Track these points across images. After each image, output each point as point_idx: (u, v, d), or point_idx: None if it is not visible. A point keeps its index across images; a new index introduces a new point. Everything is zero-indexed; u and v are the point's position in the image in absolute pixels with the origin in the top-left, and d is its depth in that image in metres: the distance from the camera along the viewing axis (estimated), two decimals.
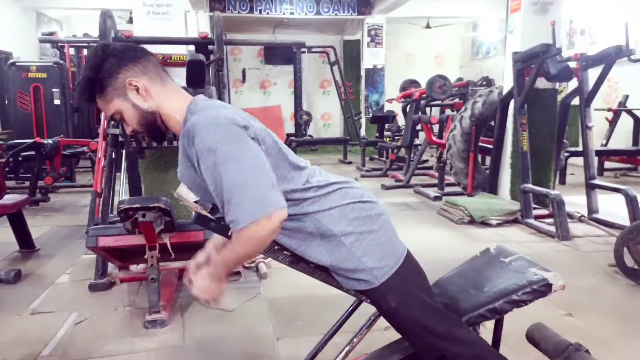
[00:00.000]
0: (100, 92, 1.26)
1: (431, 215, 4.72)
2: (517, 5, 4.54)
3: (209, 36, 3.53)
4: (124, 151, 3.58)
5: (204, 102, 1.27)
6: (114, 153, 3.23)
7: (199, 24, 8.22)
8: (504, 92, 4.72)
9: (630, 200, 4.01)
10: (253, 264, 3.02)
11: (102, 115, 3.29)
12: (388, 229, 1.34)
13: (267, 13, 8.89)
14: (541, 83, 4.45)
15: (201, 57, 3.13)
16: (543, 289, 1.37)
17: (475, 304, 1.41)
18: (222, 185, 1.12)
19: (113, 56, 1.25)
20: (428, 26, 10.57)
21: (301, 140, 9.20)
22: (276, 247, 1.32)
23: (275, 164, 1.23)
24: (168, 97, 1.29)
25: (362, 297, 1.35)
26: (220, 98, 3.59)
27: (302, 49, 9.84)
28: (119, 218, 2.28)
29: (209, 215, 1.25)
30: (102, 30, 3.14)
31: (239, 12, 8.72)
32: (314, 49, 10.01)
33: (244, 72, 11.37)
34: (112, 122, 3.22)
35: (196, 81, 3.21)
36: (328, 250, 1.26)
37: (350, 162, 8.49)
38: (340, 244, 1.26)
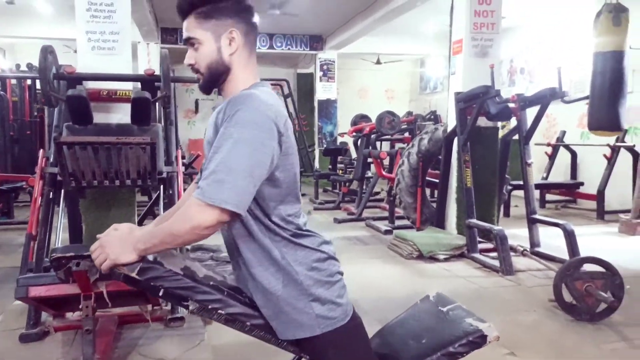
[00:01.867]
0: (204, 15, 1.24)
1: (382, 250, 4.76)
2: (458, 47, 4.76)
3: (156, 72, 3.49)
4: (62, 190, 3.44)
5: (268, 90, 1.28)
6: (51, 192, 3.09)
7: (150, 55, 8.15)
8: (449, 129, 4.90)
9: (569, 235, 4.19)
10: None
11: (40, 152, 3.15)
12: (343, 288, 1.34)
13: None
14: (483, 121, 4.65)
15: (146, 94, 3.08)
16: (478, 341, 1.40)
17: (414, 356, 1.42)
18: (220, 154, 1.11)
19: (237, 2, 1.27)
20: (378, 62, 10.91)
21: None
22: (214, 287, 1.29)
23: (289, 184, 1.25)
24: (246, 67, 1.30)
25: (300, 353, 1.33)
26: (167, 135, 3.53)
27: None
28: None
29: (136, 276, 1.20)
30: (42, 66, 3.04)
31: None
32: (268, 81, 10.07)
33: (196, 102, 11.29)
34: (50, 161, 3.10)
35: (141, 119, 3.15)
36: (283, 282, 1.25)
37: (304, 194, 8.47)
38: (296, 281, 1.24)
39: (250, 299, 1.30)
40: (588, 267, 3.08)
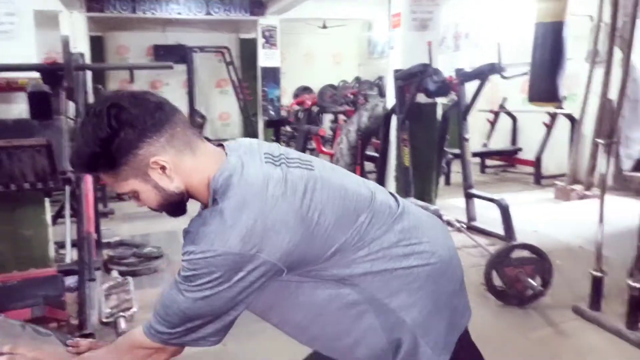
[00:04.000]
0: (110, 169, 0.99)
1: None
2: (397, 21, 4.58)
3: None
4: None
5: (238, 177, 0.97)
6: None
7: (74, 25, 7.53)
8: (388, 106, 4.77)
9: (503, 210, 4.22)
10: (112, 318, 2.73)
11: None
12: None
13: (152, 13, 8.34)
14: (422, 98, 4.54)
15: (44, 88, 2.76)
16: None
17: None
18: (173, 291, 0.99)
19: (130, 126, 0.94)
20: (324, 26, 10.56)
21: None
22: None
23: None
24: (198, 168, 1.02)
25: None
26: (75, 130, 3.21)
27: (195, 49, 9.44)
28: None
29: None
30: None
31: (119, 12, 8.09)
32: (207, 49, 9.62)
33: (131, 71, 10.60)
34: None
35: (40, 114, 2.84)
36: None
37: None
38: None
39: None
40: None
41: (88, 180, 2.95)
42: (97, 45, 9.33)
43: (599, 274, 2.73)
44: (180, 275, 0.98)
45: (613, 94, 5.50)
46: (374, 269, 1.04)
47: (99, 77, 8.13)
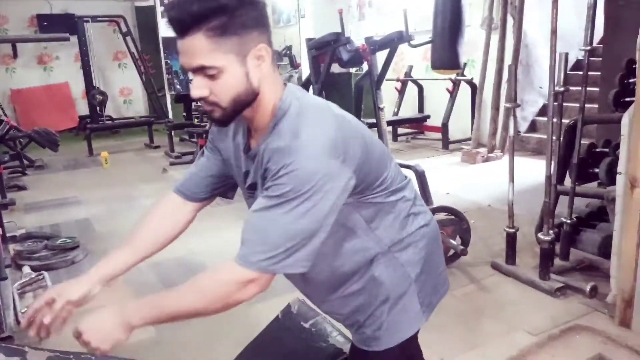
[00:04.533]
0: (220, 31, 0.90)
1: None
2: None
3: None
4: None
5: (303, 99, 1.02)
6: None
7: None
8: (303, 77, 4.72)
9: (419, 176, 4.41)
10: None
11: None
12: None
13: None
14: (336, 68, 4.54)
15: None
16: None
17: None
18: (270, 212, 0.94)
19: (255, 8, 0.94)
20: None
21: (98, 127, 8.19)
22: None
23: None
24: (273, 80, 1.01)
25: None
26: None
27: (85, 18, 8.62)
28: None
29: None
30: None
31: None
32: (99, 19, 8.83)
33: (14, 45, 9.51)
34: None
35: None
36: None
37: (158, 147, 7.84)
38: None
39: None
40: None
41: None
42: None
43: (512, 230, 2.95)
44: (272, 196, 0.94)
45: (507, 60, 5.90)
46: (400, 216, 1.14)
47: None
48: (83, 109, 9.46)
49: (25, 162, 6.53)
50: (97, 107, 8.52)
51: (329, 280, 1.16)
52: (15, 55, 9.55)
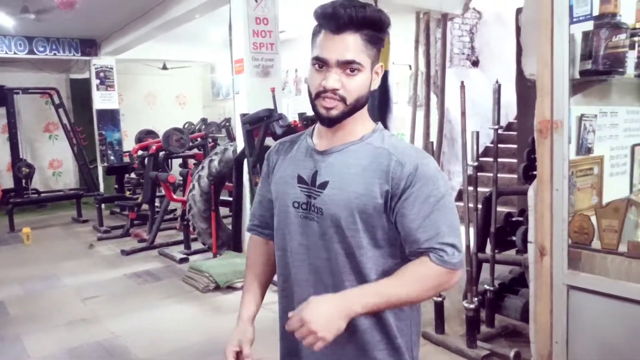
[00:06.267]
0: (371, 39, 1.06)
1: (176, 285, 4.40)
2: (240, 67, 4.66)
3: None
4: None
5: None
6: None
7: None
8: (238, 150, 4.79)
9: None
10: None
11: None
12: None
13: None
14: (270, 142, 4.64)
15: None
16: None
17: None
18: (435, 227, 1.06)
19: (387, 36, 1.11)
20: (165, 67, 10.29)
21: (22, 200, 7.77)
22: None
23: None
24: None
25: None
26: None
27: (16, 90, 8.41)
28: None
29: None
30: None
31: None
32: (31, 90, 8.65)
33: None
34: None
35: None
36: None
37: (86, 221, 7.48)
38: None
39: None
40: None
41: None
42: None
43: (439, 299, 3.02)
44: (429, 194, 1.06)
45: (433, 134, 6.30)
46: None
47: None
48: (7, 182, 8.99)
49: None
50: (23, 180, 8.13)
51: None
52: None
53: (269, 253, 1.32)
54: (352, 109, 1.09)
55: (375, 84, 1.11)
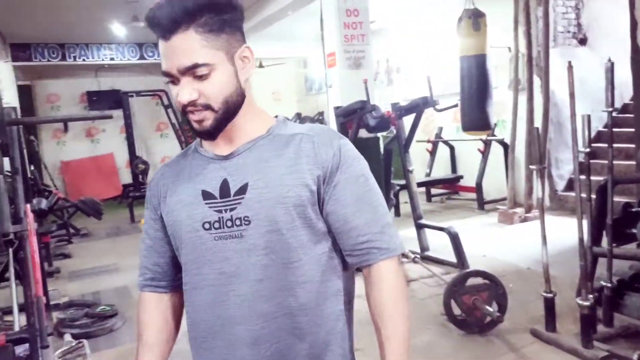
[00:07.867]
0: (209, 27, 0.89)
1: None
2: (332, 60, 4.71)
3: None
4: None
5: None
6: None
7: (0, 74, 7.18)
8: None
9: (453, 238, 4.35)
10: None
11: None
12: None
13: (83, 60, 8.14)
14: (364, 133, 4.65)
15: None
16: None
17: None
18: (371, 208, 0.98)
19: (240, 12, 0.95)
20: (261, 65, 10.67)
21: (140, 194, 8.52)
22: None
23: None
24: (250, 93, 1.01)
25: None
26: (13, 187, 3.02)
27: (130, 93, 9.23)
28: None
29: None
30: None
31: (48, 61, 7.82)
32: (143, 93, 9.44)
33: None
34: None
35: None
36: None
37: None
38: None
39: None
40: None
41: (33, 240, 2.75)
42: (26, 94, 8.94)
43: (549, 295, 2.84)
44: (358, 174, 1.00)
45: (537, 119, 5.89)
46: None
47: (31, 128, 7.75)
48: (126, 177, 9.94)
49: (71, 230, 6.82)
50: (140, 176, 8.92)
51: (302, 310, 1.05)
52: (66, 129, 10.23)
53: (168, 310, 1.11)
54: (225, 113, 0.94)
55: (248, 71, 0.96)
